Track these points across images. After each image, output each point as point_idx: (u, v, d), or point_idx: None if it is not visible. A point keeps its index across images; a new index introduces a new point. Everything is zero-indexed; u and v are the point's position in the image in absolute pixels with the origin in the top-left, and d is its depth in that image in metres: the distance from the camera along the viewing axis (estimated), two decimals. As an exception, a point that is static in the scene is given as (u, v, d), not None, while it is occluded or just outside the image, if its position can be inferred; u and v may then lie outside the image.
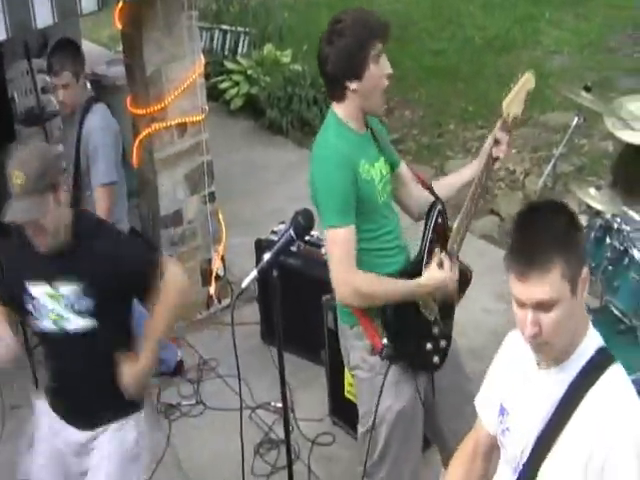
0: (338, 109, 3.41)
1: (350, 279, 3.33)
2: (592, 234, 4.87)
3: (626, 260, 4.55)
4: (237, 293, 2.99)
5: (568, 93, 5.30)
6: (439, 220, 3.60)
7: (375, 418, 3.56)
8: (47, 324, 3.32)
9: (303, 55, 9.88)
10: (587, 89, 5.13)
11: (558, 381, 2.38)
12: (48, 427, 3.58)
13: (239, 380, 3.47)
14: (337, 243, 3.33)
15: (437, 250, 3.55)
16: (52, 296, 3.26)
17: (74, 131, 4.72)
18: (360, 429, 3.70)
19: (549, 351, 2.36)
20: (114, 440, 3.44)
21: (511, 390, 2.55)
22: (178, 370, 5.44)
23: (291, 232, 3.05)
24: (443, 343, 3.63)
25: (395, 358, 3.49)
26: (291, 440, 3.49)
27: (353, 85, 3.32)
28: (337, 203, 3.32)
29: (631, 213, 4.67)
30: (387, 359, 3.48)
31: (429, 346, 3.58)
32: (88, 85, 4.98)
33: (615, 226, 4.64)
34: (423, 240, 3.57)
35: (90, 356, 3.33)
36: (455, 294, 3.62)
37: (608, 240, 4.68)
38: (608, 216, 4.72)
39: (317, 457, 4.66)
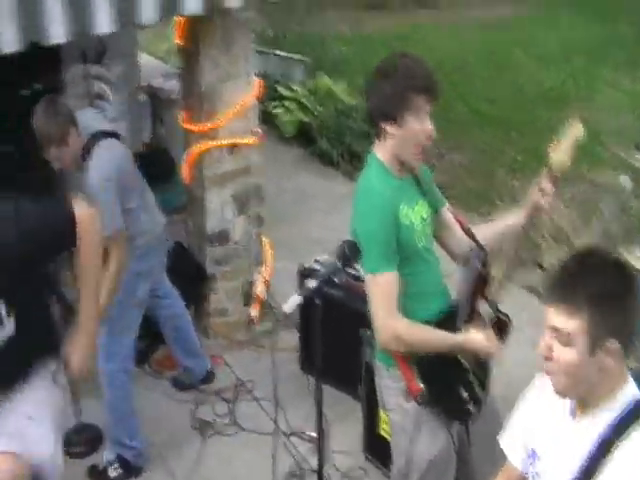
0: (378, 150, 3.41)
1: (391, 325, 3.33)
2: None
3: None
4: (281, 318, 2.99)
5: (619, 151, 5.27)
6: (479, 267, 3.57)
7: (407, 464, 3.53)
8: None
9: (358, 89, 9.93)
10: (639, 148, 5.10)
11: (590, 431, 2.36)
12: None
13: (276, 406, 3.51)
14: (378, 289, 3.33)
15: (482, 306, 3.52)
16: None
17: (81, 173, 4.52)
18: (393, 470, 3.69)
19: (555, 382, 2.38)
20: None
21: (542, 435, 2.53)
22: (207, 380, 5.48)
23: (337, 261, 3.07)
24: (479, 391, 3.60)
25: (431, 403, 3.46)
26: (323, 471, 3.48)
27: (389, 128, 3.30)
28: (379, 248, 3.31)
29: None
30: (423, 404, 3.45)
31: (465, 394, 3.55)
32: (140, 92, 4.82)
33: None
34: (462, 289, 3.55)
35: None
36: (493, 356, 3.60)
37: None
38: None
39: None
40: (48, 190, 5.34)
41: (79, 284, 3.58)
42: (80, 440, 4.95)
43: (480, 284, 3.54)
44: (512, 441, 2.71)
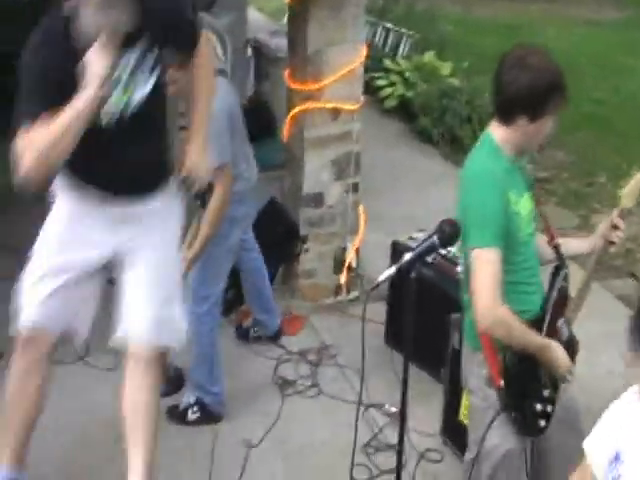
0: (497, 132, 3.33)
1: (494, 305, 3.22)
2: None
3: None
4: (372, 287, 2.97)
5: None
6: (564, 284, 3.52)
7: (480, 451, 3.47)
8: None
9: (463, 71, 9.80)
10: None
11: None
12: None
13: (362, 378, 3.44)
14: (485, 266, 3.22)
15: (560, 323, 3.49)
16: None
17: None
18: (467, 455, 3.63)
19: None
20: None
21: (629, 439, 2.47)
22: (275, 338, 5.47)
23: (435, 239, 3.00)
24: (550, 408, 3.52)
25: (507, 407, 3.40)
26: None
27: (523, 121, 3.25)
28: (489, 224, 3.23)
29: None
30: (500, 404, 3.40)
31: (539, 407, 3.48)
32: (246, 45, 4.80)
33: None
34: (548, 302, 3.49)
35: None
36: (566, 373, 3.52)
37: None
38: None
39: (423, 471, 4.57)
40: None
41: (195, 93, 3.73)
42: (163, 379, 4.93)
43: (562, 301, 3.51)
44: (597, 444, 2.64)
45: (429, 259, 5.12)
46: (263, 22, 10.05)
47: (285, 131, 5.88)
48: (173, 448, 4.52)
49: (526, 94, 3.20)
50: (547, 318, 3.46)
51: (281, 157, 6.10)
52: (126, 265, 3.74)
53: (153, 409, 3.86)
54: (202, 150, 3.68)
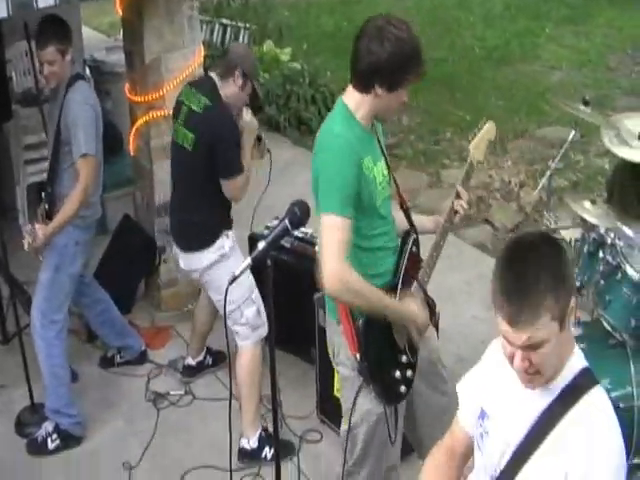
0: (350, 99, 3.37)
1: (341, 270, 3.23)
2: (585, 247, 4.87)
3: (618, 275, 4.54)
4: (229, 281, 2.89)
5: (565, 105, 5.31)
6: (414, 249, 3.60)
7: (351, 417, 3.54)
8: None
9: (303, 54, 9.93)
10: (585, 103, 5.13)
11: (541, 396, 2.37)
12: None
13: (230, 373, 3.48)
14: (331, 231, 3.23)
15: (413, 286, 3.54)
16: None
17: (57, 105, 4.71)
18: (343, 426, 3.68)
19: (539, 379, 2.33)
20: None
21: (494, 395, 2.53)
22: (141, 359, 5.43)
23: (286, 222, 2.97)
24: (409, 373, 3.58)
25: (366, 379, 3.47)
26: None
27: (380, 91, 3.28)
28: (338, 191, 3.25)
29: (625, 229, 4.67)
30: (360, 375, 3.47)
31: (397, 374, 3.54)
32: (83, 65, 4.90)
33: (609, 241, 4.63)
34: (398, 267, 3.54)
35: None
36: (425, 330, 3.58)
37: (601, 254, 4.66)
38: (602, 230, 4.71)
39: (305, 454, 4.64)
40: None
41: None
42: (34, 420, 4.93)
43: (414, 265, 3.58)
44: (464, 400, 2.72)
45: (287, 244, 5.23)
46: (98, 40, 9.98)
47: (131, 145, 5.84)
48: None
49: (385, 65, 3.21)
50: (399, 284, 3.51)
51: (130, 173, 6.11)
52: None
53: None
54: None
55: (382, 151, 3.53)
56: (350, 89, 3.38)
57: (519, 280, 2.23)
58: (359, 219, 3.33)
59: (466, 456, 2.74)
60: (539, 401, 2.37)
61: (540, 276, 2.21)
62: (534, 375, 2.31)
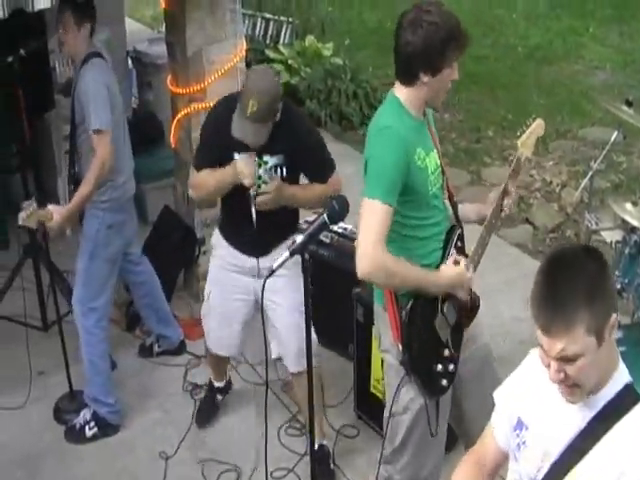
0: (400, 93, 3.38)
1: (373, 252, 3.23)
2: (626, 250, 4.84)
3: (659, 278, 4.54)
4: (267, 274, 2.94)
5: (609, 106, 5.27)
6: (459, 244, 3.58)
7: (393, 405, 3.55)
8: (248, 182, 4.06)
9: (345, 49, 9.92)
10: (629, 104, 5.09)
11: (581, 410, 2.33)
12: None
13: (266, 361, 3.51)
14: (372, 215, 3.25)
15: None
16: (259, 164, 4.07)
17: (74, 85, 4.74)
18: (385, 414, 3.67)
19: (580, 392, 2.29)
20: None
21: (533, 405, 2.49)
22: (179, 350, 5.45)
23: (325, 216, 3.00)
24: (452, 367, 3.58)
25: (408, 370, 3.48)
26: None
27: (425, 78, 3.29)
28: (385, 180, 3.27)
29: (666, 231, 4.63)
30: (402, 365, 3.48)
31: (439, 367, 3.54)
32: (126, 57, 4.88)
33: (650, 243, 4.63)
34: (444, 259, 3.52)
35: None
36: (467, 298, 3.55)
37: (642, 257, 4.66)
38: (643, 233, 4.70)
39: (340, 449, 4.65)
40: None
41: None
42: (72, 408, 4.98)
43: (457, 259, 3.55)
44: (499, 409, 2.67)
45: (326, 239, 5.24)
46: (141, 32, 10.04)
47: (172, 137, 5.86)
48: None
49: (423, 52, 3.22)
50: None
51: (171, 165, 6.14)
52: None
53: None
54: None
55: (434, 141, 3.52)
56: (398, 84, 3.39)
57: (554, 290, 2.20)
58: (411, 209, 3.37)
59: (496, 466, 2.70)
60: (579, 414, 2.34)
61: (577, 287, 2.18)
62: (573, 387, 2.27)
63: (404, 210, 3.35)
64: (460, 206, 3.74)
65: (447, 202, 3.65)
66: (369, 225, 3.24)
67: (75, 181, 4.74)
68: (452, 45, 3.26)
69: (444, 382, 3.56)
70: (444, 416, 3.66)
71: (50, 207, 4.51)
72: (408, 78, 3.34)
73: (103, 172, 4.54)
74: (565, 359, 2.21)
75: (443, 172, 3.56)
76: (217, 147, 4.12)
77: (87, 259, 4.73)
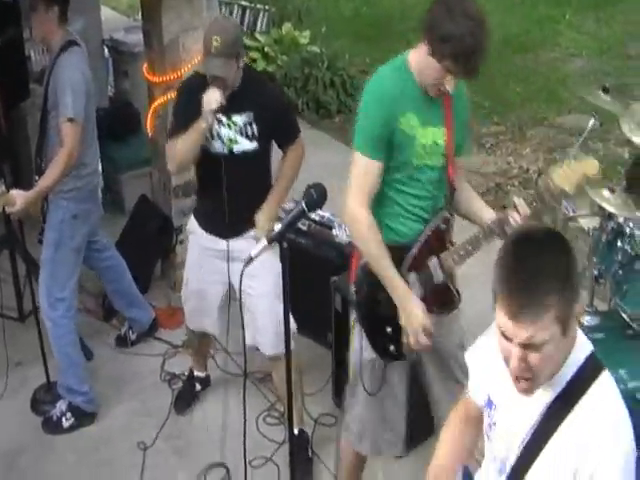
0: (413, 53, 3.39)
1: (355, 205, 3.36)
2: (604, 237, 4.84)
3: (637, 265, 4.54)
4: (245, 263, 2.95)
5: (585, 94, 5.28)
6: (442, 226, 3.55)
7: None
8: (219, 146, 4.19)
9: (322, 37, 9.89)
10: (605, 90, 5.09)
11: (546, 389, 2.33)
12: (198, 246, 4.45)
13: (244, 351, 3.52)
14: (355, 166, 3.39)
15: (432, 263, 3.50)
16: (228, 125, 4.16)
17: (48, 72, 4.70)
18: (350, 377, 3.79)
19: (531, 384, 2.28)
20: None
21: (500, 385, 2.46)
22: (152, 330, 5.46)
23: (303, 204, 3.01)
24: (404, 338, 3.53)
25: (358, 317, 3.57)
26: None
27: (425, 47, 3.28)
28: (366, 132, 3.38)
29: (644, 218, 4.64)
30: (355, 311, 3.59)
31: (389, 329, 3.53)
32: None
33: (627, 230, 4.62)
34: (419, 235, 3.51)
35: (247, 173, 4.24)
36: (422, 339, 3.46)
37: (619, 244, 4.66)
38: (620, 220, 4.70)
39: (318, 437, 4.67)
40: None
41: (283, 170, 4.38)
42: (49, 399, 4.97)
43: (437, 240, 3.54)
44: (473, 372, 2.69)
45: (304, 227, 5.23)
46: (117, 20, 9.97)
47: (149, 126, 5.83)
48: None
49: (437, 34, 3.24)
50: (414, 250, 3.50)
51: (148, 153, 6.10)
52: None
53: None
54: (269, 216, 4.29)
55: (447, 120, 3.47)
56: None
57: (523, 275, 2.16)
58: (396, 170, 3.43)
59: (481, 419, 2.66)
60: (544, 393, 2.33)
61: (546, 276, 2.16)
62: (527, 381, 2.26)
63: (390, 171, 3.41)
64: (471, 200, 3.71)
65: (479, 201, 3.69)
66: (352, 176, 3.40)
67: (40, 172, 4.69)
68: (450, 53, 3.23)
69: (391, 347, 3.57)
70: (404, 390, 3.70)
71: (13, 192, 4.46)
72: (422, 36, 3.32)
73: (70, 163, 4.51)
74: (530, 347, 2.18)
75: (446, 156, 3.51)
76: (190, 116, 4.11)
77: (53, 249, 4.71)
